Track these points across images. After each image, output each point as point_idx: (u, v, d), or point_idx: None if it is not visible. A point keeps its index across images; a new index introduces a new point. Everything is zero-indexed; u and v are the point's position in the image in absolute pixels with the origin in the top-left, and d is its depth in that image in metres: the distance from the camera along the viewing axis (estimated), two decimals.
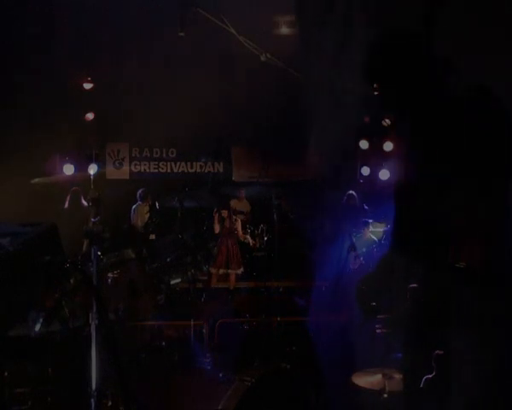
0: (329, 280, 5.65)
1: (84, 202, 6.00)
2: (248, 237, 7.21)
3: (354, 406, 4.20)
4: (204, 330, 4.61)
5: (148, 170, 8.27)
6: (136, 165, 8.22)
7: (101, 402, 3.29)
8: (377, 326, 4.93)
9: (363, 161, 7.28)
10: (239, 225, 6.86)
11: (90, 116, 6.97)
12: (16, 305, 2.68)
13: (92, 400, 3.06)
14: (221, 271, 6.63)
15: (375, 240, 6.48)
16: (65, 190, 6.18)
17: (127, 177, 8.17)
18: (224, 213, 6.61)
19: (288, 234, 6.74)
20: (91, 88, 6.85)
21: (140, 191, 6.93)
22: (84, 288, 4.16)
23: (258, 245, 7.24)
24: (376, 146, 6.84)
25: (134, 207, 7.01)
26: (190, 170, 8.38)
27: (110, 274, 4.66)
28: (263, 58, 3.57)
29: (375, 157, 7.02)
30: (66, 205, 5.55)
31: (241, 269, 6.76)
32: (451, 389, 2.32)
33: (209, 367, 4.22)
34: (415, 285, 2.70)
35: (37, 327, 3.97)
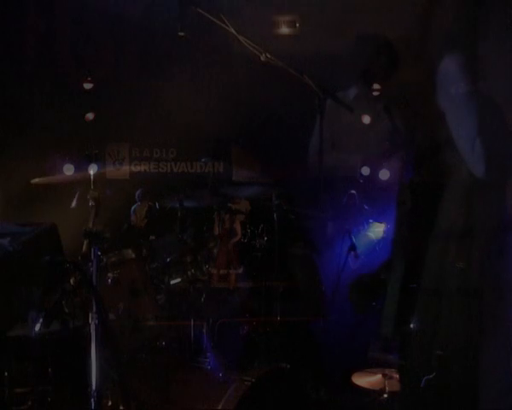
0: (329, 280, 5.66)
1: (92, 202, 5.97)
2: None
3: (354, 406, 4.20)
4: (204, 330, 4.60)
5: (148, 170, 8.25)
6: (136, 165, 8.21)
7: (101, 402, 3.29)
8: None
9: (364, 161, 7.28)
10: (238, 226, 6.85)
11: (90, 116, 6.96)
12: (16, 305, 2.68)
13: (92, 400, 3.06)
14: (221, 271, 6.61)
15: (374, 240, 6.47)
16: (66, 190, 6.16)
17: (127, 177, 8.16)
18: (224, 215, 6.60)
19: (288, 234, 6.73)
20: (91, 88, 6.85)
21: (138, 192, 6.92)
22: (84, 288, 4.16)
23: (258, 245, 7.23)
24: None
25: (133, 207, 7.00)
26: (190, 170, 8.36)
27: (110, 274, 4.65)
28: (263, 58, 3.56)
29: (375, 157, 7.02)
30: (74, 204, 5.52)
31: (241, 269, 6.75)
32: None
33: (209, 367, 4.22)
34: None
35: (37, 327, 3.97)
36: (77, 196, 5.59)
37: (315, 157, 5.09)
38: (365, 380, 4.14)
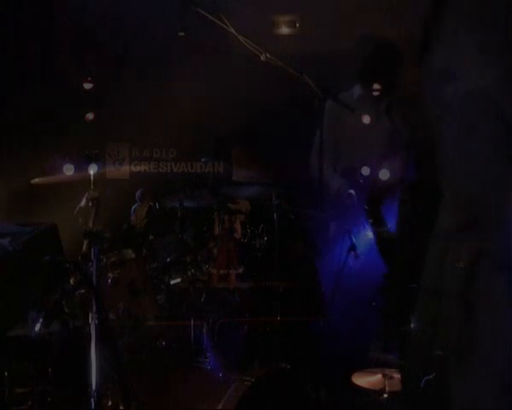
0: (329, 280, 5.66)
1: (92, 202, 5.96)
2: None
3: (354, 406, 4.20)
4: (204, 330, 4.60)
5: (148, 170, 8.25)
6: (136, 165, 8.20)
7: (101, 402, 3.29)
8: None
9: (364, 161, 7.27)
10: (238, 226, 6.84)
11: (90, 116, 6.96)
12: (16, 305, 2.68)
13: (92, 400, 3.06)
14: (221, 271, 6.60)
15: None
16: (66, 190, 6.16)
17: (127, 177, 8.16)
18: (224, 215, 6.59)
19: (288, 234, 6.72)
20: (91, 88, 6.85)
21: (138, 192, 6.92)
22: (84, 288, 4.16)
23: (258, 245, 7.22)
24: None
25: (134, 207, 7.00)
26: (190, 170, 8.36)
27: (110, 274, 4.66)
28: (263, 58, 3.56)
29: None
30: (83, 203, 5.49)
31: (241, 269, 6.74)
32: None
33: (209, 367, 4.22)
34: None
35: (37, 327, 3.97)
36: (86, 195, 5.57)
37: (316, 160, 5.08)
38: (365, 380, 4.14)
